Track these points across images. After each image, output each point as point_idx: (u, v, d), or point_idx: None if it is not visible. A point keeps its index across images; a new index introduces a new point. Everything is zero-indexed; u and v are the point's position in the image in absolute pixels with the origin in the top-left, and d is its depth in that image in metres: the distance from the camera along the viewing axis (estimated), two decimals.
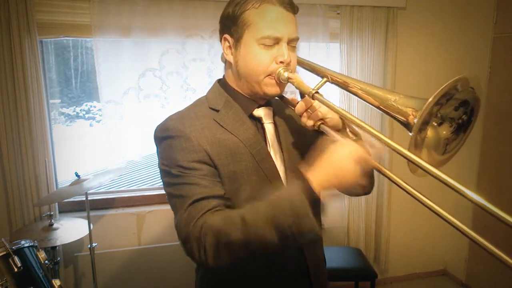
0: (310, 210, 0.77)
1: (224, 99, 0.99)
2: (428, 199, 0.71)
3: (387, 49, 2.65)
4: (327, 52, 2.62)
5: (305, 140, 0.99)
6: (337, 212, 2.81)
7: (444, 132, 0.80)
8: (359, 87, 0.91)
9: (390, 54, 2.65)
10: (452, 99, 0.77)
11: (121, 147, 2.34)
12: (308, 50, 2.55)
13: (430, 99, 0.72)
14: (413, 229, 3.00)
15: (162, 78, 2.35)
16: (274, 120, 1.03)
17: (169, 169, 0.89)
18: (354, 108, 2.64)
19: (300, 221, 0.77)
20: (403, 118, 0.78)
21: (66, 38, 2.29)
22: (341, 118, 0.94)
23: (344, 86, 0.94)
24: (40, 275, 1.65)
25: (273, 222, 0.77)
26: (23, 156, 2.13)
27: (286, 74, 0.91)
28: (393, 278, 3.06)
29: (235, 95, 0.99)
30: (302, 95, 0.96)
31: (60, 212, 2.33)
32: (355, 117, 0.82)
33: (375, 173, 0.90)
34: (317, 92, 0.89)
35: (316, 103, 0.92)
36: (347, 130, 0.95)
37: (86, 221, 2.07)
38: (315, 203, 0.79)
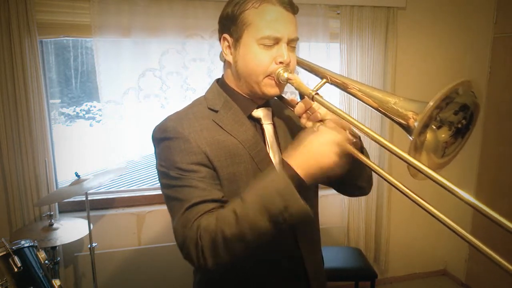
0: (296, 192, 0.78)
1: (223, 99, 0.98)
2: (426, 201, 0.70)
3: (387, 49, 2.64)
4: (327, 52, 2.62)
5: None
6: (337, 212, 2.81)
7: (443, 136, 0.80)
8: (358, 89, 0.90)
9: (390, 54, 2.65)
10: (452, 103, 0.76)
11: (121, 147, 2.34)
12: (308, 50, 2.55)
13: (431, 103, 0.71)
14: (413, 229, 3.00)
15: (162, 78, 2.35)
16: (273, 121, 1.02)
17: (167, 171, 0.89)
18: (354, 109, 2.64)
19: (289, 204, 0.78)
20: (403, 121, 0.78)
21: (66, 38, 2.29)
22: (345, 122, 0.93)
23: (343, 87, 0.94)
24: (40, 275, 1.65)
25: (263, 210, 0.78)
26: (23, 156, 2.13)
27: (285, 75, 0.91)
28: (393, 278, 3.06)
29: (234, 95, 0.99)
30: (302, 96, 0.96)
31: (60, 212, 2.33)
32: (354, 119, 0.82)
33: (375, 174, 0.90)
34: (317, 93, 0.88)
35: (315, 105, 0.91)
36: (347, 132, 0.94)
37: (86, 221, 2.07)
38: (301, 187, 0.81)
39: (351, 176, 1.00)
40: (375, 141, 0.78)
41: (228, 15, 0.93)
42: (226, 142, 0.93)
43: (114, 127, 2.31)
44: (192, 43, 2.35)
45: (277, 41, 0.91)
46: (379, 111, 0.84)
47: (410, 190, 0.74)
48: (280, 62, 0.91)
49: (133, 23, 2.21)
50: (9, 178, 2.15)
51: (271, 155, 0.98)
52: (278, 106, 1.07)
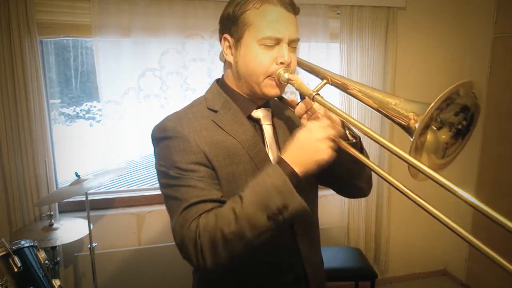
0: (293, 188, 0.79)
1: (222, 99, 0.98)
2: (426, 202, 0.70)
3: (387, 49, 2.64)
4: (327, 52, 2.62)
5: None
6: (337, 212, 2.81)
7: (444, 137, 0.80)
8: (358, 90, 0.90)
9: (390, 54, 2.65)
10: (452, 104, 0.76)
11: (121, 147, 2.34)
12: (308, 50, 2.55)
13: (433, 104, 0.71)
14: (413, 229, 3.00)
15: (162, 78, 2.35)
16: (272, 122, 1.02)
17: (167, 171, 0.89)
18: (354, 110, 2.64)
19: (287, 200, 0.79)
20: (404, 122, 0.78)
21: (66, 38, 2.29)
22: (341, 120, 0.94)
23: (343, 88, 0.94)
24: (40, 275, 1.65)
25: (262, 207, 0.79)
26: (23, 156, 2.13)
27: (286, 75, 0.91)
28: (393, 278, 3.06)
29: (234, 96, 0.99)
30: (302, 97, 0.96)
31: (60, 212, 2.33)
32: (355, 119, 0.82)
33: (374, 174, 0.90)
34: (317, 94, 0.88)
35: (316, 105, 0.91)
36: (347, 132, 0.95)
37: (86, 221, 2.07)
38: (299, 184, 0.82)
39: (351, 177, 1.00)
40: (375, 141, 0.78)
41: (229, 16, 0.93)
42: (225, 142, 0.93)
43: (114, 127, 2.31)
44: (192, 43, 2.35)
45: (278, 41, 0.91)
46: (380, 112, 0.84)
47: (410, 190, 0.74)
48: (281, 63, 0.91)
49: (133, 23, 2.21)
50: (9, 178, 2.15)
51: (270, 155, 0.98)
52: (278, 107, 1.07)
